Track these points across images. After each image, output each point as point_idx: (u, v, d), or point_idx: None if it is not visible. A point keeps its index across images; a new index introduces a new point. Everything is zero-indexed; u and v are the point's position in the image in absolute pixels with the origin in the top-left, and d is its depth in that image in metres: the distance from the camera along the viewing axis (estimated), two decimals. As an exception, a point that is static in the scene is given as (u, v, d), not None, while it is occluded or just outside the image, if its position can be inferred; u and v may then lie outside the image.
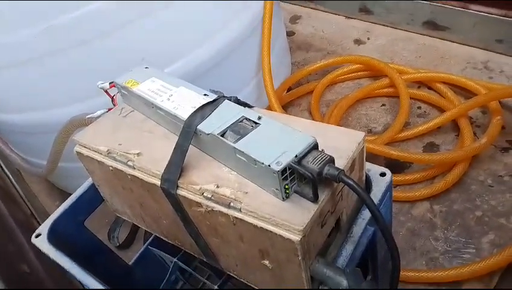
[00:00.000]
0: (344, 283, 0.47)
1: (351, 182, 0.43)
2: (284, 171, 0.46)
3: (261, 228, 0.47)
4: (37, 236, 0.70)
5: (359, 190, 0.43)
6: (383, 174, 0.59)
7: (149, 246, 0.90)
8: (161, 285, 0.84)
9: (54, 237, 0.70)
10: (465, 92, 1.29)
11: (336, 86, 1.49)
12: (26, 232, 0.71)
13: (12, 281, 0.75)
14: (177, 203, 0.56)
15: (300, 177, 0.47)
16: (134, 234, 1.18)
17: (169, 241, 0.72)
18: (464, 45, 1.49)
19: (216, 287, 0.78)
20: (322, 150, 0.48)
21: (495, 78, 1.34)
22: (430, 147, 1.21)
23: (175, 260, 0.83)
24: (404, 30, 1.63)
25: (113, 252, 0.89)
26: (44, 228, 0.71)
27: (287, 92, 1.47)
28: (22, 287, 0.76)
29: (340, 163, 0.50)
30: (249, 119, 0.54)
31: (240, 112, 0.55)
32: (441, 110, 1.27)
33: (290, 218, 0.45)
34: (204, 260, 0.66)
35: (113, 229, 1.20)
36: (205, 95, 0.61)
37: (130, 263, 0.89)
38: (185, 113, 0.57)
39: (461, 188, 1.09)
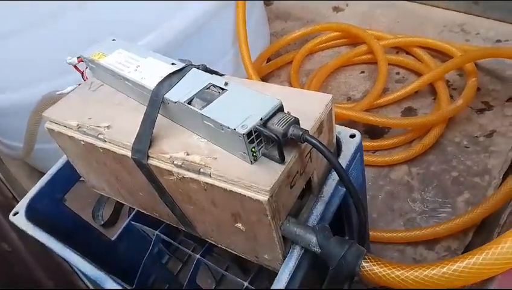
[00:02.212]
0: (313, 239, 0.48)
1: (315, 141, 0.44)
2: (249, 134, 0.46)
3: (231, 191, 0.48)
4: (14, 214, 0.70)
5: (321, 147, 0.43)
6: (352, 136, 0.60)
7: (131, 221, 0.91)
8: (144, 258, 0.85)
9: (32, 215, 0.70)
10: (442, 56, 1.30)
11: (315, 55, 1.49)
12: (7, 213, 0.71)
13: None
14: (149, 174, 0.56)
15: (267, 139, 0.48)
16: (118, 212, 1.19)
17: (148, 213, 0.72)
18: (441, 8, 1.48)
19: (199, 256, 0.80)
20: (288, 112, 0.48)
21: (471, 41, 1.35)
22: (408, 112, 1.22)
23: (157, 232, 0.84)
24: (382, -5, 1.61)
25: (96, 229, 0.90)
26: (21, 206, 0.70)
27: (266, 63, 1.46)
28: (2, 265, 0.76)
29: (308, 125, 0.50)
30: (216, 86, 0.54)
31: (208, 79, 0.55)
32: (419, 74, 1.28)
33: (257, 179, 0.46)
34: (183, 229, 0.67)
35: (97, 208, 1.21)
36: (173, 64, 0.60)
37: (113, 239, 0.90)
38: (152, 83, 0.57)
39: (438, 150, 1.11)
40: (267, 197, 0.45)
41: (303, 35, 1.43)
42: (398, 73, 1.34)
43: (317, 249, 0.48)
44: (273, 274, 0.59)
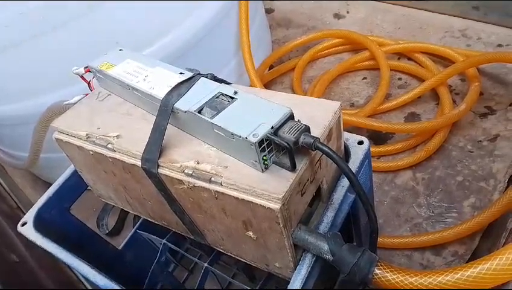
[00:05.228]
0: (325, 247, 0.48)
1: (326, 149, 0.44)
2: (261, 142, 0.46)
3: (242, 199, 0.48)
4: (23, 225, 0.70)
5: (333, 155, 0.43)
6: (360, 143, 0.60)
7: (137, 230, 0.90)
8: (151, 267, 0.85)
9: (40, 225, 0.70)
10: (444, 61, 1.31)
11: (317, 62, 1.50)
12: (13, 223, 0.71)
13: (1, 270, 0.75)
14: (159, 183, 0.56)
15: (278, 147, 0.48)
16: (123, 221, 1.19)
17: (156, 222, 0.72)
18: (441, 14, 1.49)
19: (206, 264, 0.80)
20: (298, 120, 0.48)
21: (473, 46, 1.35)
22: (411, 117, 1.23)
23: (164, 241, 0.84)
24: (383, 1, 1.62)
25: (102, 238, 0.90)
26: (29, 216, 0.70)
27: (268, 70, 1.47)
28: (11, 276, 0.76)
29: (317, 132, 0.50)
30: (225, 95, 0.54)
31: (216, 88, 0.55)
32: (421, 80, 1.29)
33: (269, 188, 0.46)
34: (192, 237, 0.67)
35: (102, 217, 1.20)
36: (181, 73, 0.60)
37: (120, 248, 0.90)
38: (161, 93, 0.57)
39: (442, 155, 1.11)
40: (279, 205, 0.45)
41: (305, 42, 1.44)
42: (400, 78, 1.35)
43: (329, 257, 0.48)
44: (281, 281, 0.59)
